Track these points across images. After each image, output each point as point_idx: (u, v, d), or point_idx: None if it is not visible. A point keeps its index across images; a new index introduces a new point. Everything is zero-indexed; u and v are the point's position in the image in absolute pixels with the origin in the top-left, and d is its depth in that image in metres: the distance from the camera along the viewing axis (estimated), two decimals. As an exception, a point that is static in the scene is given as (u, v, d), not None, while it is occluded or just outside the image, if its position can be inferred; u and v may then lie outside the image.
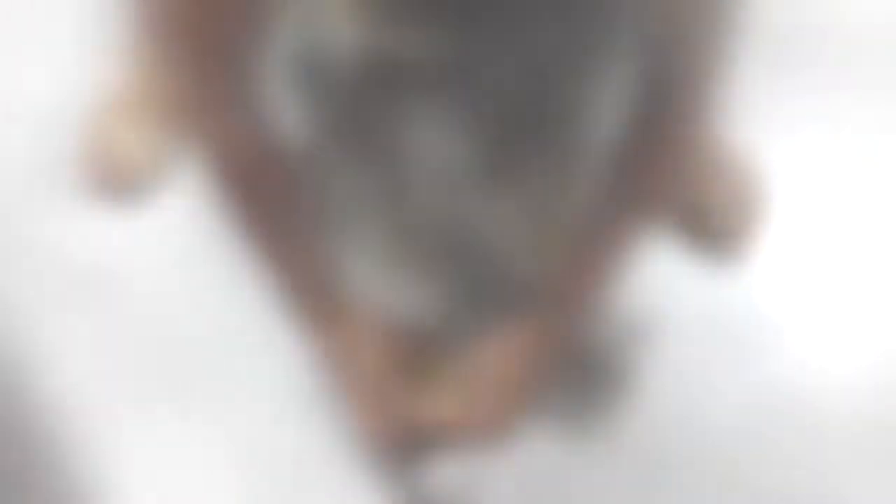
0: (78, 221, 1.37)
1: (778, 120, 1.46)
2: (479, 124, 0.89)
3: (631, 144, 0.91)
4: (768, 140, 1.43)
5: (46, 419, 1.25)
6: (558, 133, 0.89)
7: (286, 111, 0.96)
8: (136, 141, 1.36)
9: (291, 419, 1.26)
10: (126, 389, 1.27)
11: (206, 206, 1.36)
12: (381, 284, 1.10)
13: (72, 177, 1.38)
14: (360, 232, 1.03)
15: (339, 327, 1.04)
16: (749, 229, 1.35)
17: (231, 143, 0.91)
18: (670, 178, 0.95)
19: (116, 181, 1.36)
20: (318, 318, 1.03)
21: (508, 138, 0.90)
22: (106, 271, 1.33)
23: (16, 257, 1.35)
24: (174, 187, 1.39)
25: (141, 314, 1.31)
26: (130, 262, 1.34)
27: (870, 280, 1.35)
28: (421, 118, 0.89)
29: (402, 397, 1.06)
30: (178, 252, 1.35)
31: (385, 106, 0.89)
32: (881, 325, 1.32)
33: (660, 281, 1.32)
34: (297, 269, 1.00)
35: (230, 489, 1.23)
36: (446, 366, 1.10)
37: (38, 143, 1.42)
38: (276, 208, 0.96)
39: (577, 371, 1.27)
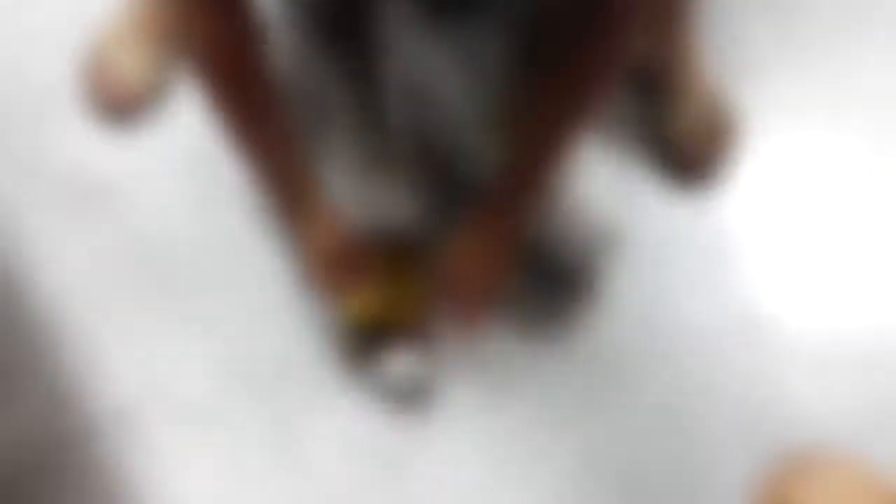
0: (84, 138, 1.43)
1: (757, 63, 1.52)
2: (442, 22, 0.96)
3: (568, 27, 0.98)
4: (746, 79, 1.50)
5: (46, 312, 1.33)
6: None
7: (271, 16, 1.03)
8: (136, 64, 1.42)
9: (267, 323, 1.34)
10: (119, 290, 1.35)
11: (202, 128, 1.42)
12: (355, 187, 1.18)
13: (79, 97, 1.44)
14: (335, 135, 1.10)
15: (311, 220, 1.14)
16: (721, 158, 1.42)
17: (217, 43, 0.98)
18: (606, 67, 1.01)
19: (118, 102, 1.41)
20: (293, 212, 1.13)
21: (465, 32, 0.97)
22: (108, 185, 1.40)
23: (26, 169, 1.41)
24: (173, 109, 1.46)
25: (137, 224, 1.38)
26: (131, 177, 1.41)
27: (831, 215, 1.42)
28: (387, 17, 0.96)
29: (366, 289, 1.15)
30: (176, 169, 1.41)
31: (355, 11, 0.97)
32: (837, 254, 1.39)
33: (633, 200, 1.39)
34: (274, 164, 1.09)
35: (208, 378, 1.31)
36: (415, 263, 1.18)
37: (48, 64, 1.47)
38: (257, 105, 1.04)
39: (543, 276, 1.34)
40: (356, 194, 1.21)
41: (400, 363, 1.26)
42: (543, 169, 1.07)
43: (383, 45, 1.01)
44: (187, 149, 1.41)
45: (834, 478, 1.11)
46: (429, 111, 1.10)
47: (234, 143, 1.08)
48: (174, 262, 1.36)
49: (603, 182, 1.28)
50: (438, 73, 1.04)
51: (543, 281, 1.35)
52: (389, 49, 1.01)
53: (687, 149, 1.41)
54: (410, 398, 1.28)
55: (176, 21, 1.00)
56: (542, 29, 1.04)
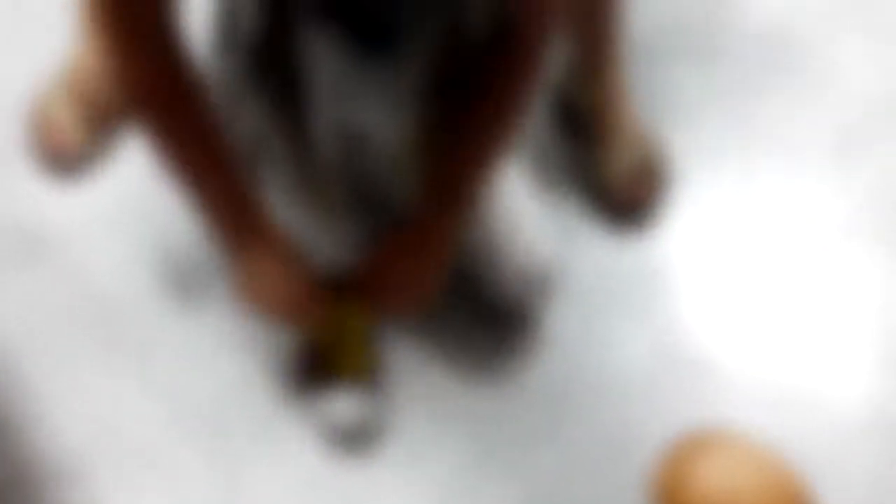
0: (27, 191, 1.44)
1: (686, 107, 1.58)
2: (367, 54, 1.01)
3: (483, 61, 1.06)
4: (676, 123, 1.56)
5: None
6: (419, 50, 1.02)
7: (204, 54, 1.07)
8: (76, 118, 1.44)
9: (210, 367, 1.34)
10: (60, 339, 1.35)
11: (142, 179, 1.44)
12: (290, 220, 1.20)
13: (21, 151, 1.46)
14: (271, 165, 1.13)
15: (252, 250, 1.14)
16: (652, 199, 1.46)
17: (152, 82, 1.02)
18: (518, 94, 1.08)
19: (60, 155, 1.44)
20: (234, 243, 1.14)
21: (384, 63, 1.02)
22: (50, 236, 1.41)
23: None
24: (114, 160, 1.47)
25: (79, 274, 1.39)
26: (72, 228, 1.42)
27: (760, 253, 1.47)
28: (315, 50, 1.01)
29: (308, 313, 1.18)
30: (116, 219, 1.43)
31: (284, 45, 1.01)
32: (767, 292, 1.43)
33: (568, 238, 1.43)
34: (215, 196, 1.10)
35: (152, 424, 1.31)
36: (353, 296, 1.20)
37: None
38: (195, 139, 1.07)
39: (481, 314, 1.37)
40: (292, 227, 1.23)
41: (343, 403, 1.27)
42: (460, 187, 1.13)
43: (308, 78, 1.05)
44: (127, 200, 1.43)
45: (725, 453, 1.16)
46: (357, 143, 1.14)
47: (176, 181, 1.10)
48: (115, 311, 1.37)
49: (538, 221, 1.31)
50: (363, 104, 1.09)
51: (482, 319, 1.37)
52: (315, 82, 1.05)
53: (619, 190, 1.45)
54: (355, 438, 1.28)
55: (109, 67, 1.03)
56: (458, 59, 1.10)
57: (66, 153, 1.44)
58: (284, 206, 1.19)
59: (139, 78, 1.02)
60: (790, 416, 1.34)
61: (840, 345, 1.39)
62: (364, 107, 1.13)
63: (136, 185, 1.44)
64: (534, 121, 1.53)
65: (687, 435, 1.23)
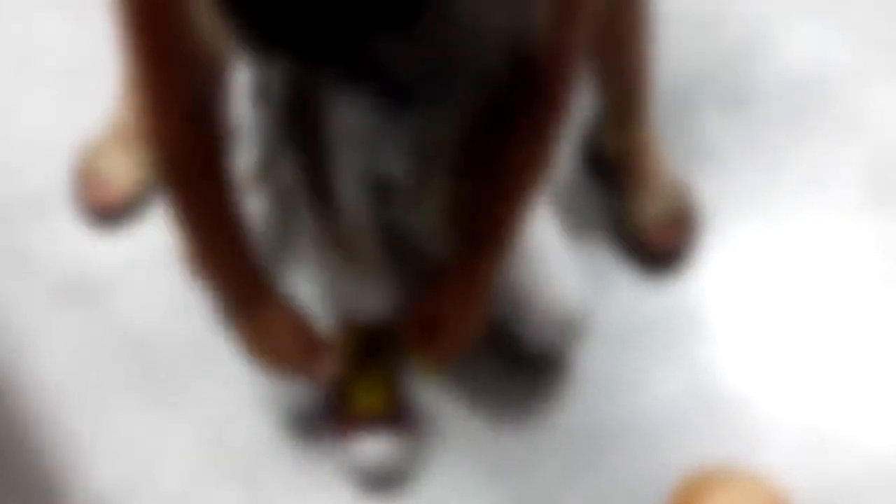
0: (73, 237, 1.50)
1: (716, 153, 1.60)
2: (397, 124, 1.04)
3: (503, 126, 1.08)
4: (706, 169, 1.57)
5: (30, 403, 1.36)
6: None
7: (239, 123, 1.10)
8: (122, 168, 1.50)
9: (250, 409, 1.36)
10: (100, 381, 1.38)
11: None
12: (325, 278, 1.22)
13: (69, 199, 1.52)
14: (303, 220, 1.15)
15: (257, 311, 1.15)
16: (684, 243, 1.47)
17: (175, 151, 1.05)
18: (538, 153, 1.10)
19: (105, 203, 1.49)
20: (240, 304, 1.15)
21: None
22: (94, 280, 1.46)
23: (16, 263, 1.48)
24: (157, 208, 1.52)
25: (121, 318, 1.43)
26: (116, 273, 1.47)
27: (793, 296, 1.47)
28: (341, 125, 1.04)
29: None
30: (159, 264, 1.47)
31: (312, 116, 1.05)
32: (801, 336, 1.43)
33: (602, 283, 1.44)
34: (222, 259, 1.12)
35: (185, 466, 1.32)
36: (389, 347, 1.22)
37: (42, 168, 1.56)
38: (211, 210, 1.09)
39: (515, 356, 1.37)
40: (327, 285, 1.25)
41: (372, 446, 1.28)
42: (495, 231, 1.14)
43: (333, 131, 1.08)
44: (167, 248, 1.46)
45: (731, 487, 1.15)
46: (384, 193, 1.17)
47: (187, 246, 1.12)
48: (155, 354, 1.40)
49: (570, 266, 1.32)
50: (388, 155, 1.12)
51: (514, 362, 1.38)
52: (339, 136, 1.08)
53: (650, 236, 1.46)
54: (384, 480, 1.29)
55: (140, 128, 1.07)
56: (485, 113, 1.11)
57: (112, 203, 1.50)
58: (320, 261, 1.21)
59: (165, 142, 1.05)
60: (821, 460, 1.33)
61: (874, 390, 1.37)
62: (389, 158, 1.17)
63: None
64: (565, 167, 1.55)
65: (697, 470, 1.22)
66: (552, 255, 1.30)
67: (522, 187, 1.13)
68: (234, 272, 1.14)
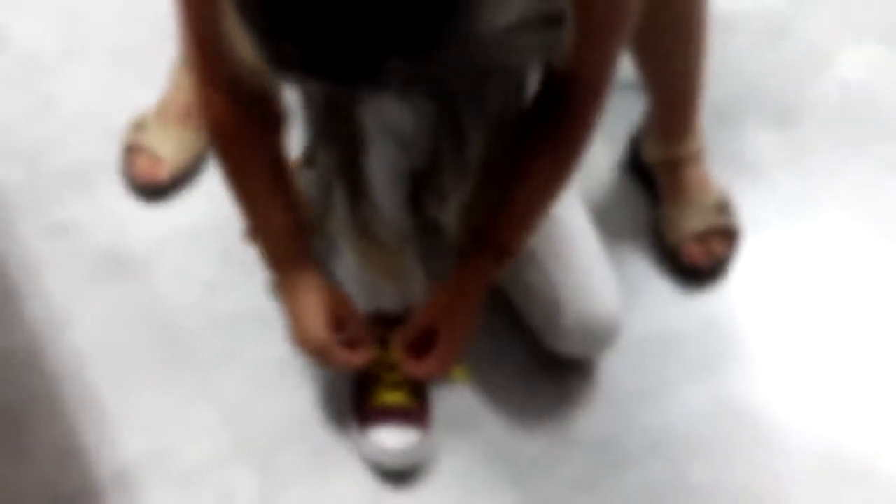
0: (117, 209, 1.52)
1: (761, 168, 1.59)
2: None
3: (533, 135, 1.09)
4: (750, 183, 1.56)
5: (61, 372, 1.37)
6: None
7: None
8: (170, 145, 1.53)
9: (274, 392, 1.37)
10: (130, 354, 1.40)
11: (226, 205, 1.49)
12: (359, 270, 1.23)
13: (117, 172, 1.55)
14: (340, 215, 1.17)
15: (296, 292, 1.18)
16: (722, 258, 1.46)
17: (227, 128, 1.10)
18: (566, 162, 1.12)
19: (152, 179, 1.52)
20: (281, 276, 1.19)
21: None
22: (132, 253, 1.48)
23: (58, 232, 1.50)
24: (199, 189, 1.55)
25: (155, 292, 1.45)
26: (155, 247, 1.49)
27: (829, 313, 1.45)
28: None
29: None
30: (197, 241, 1.49)
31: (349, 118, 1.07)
32: (835, 354, 1.40)
33: (634, 293, 1.43)
34: (264, 218, 1.16)
35: (207, 444, 1.33)
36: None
37: (91, 141, 1.59)
38: (260, 176, 1.14)
39: (544, 362, 1.36)
40: (359, 279, 1.26)
41: (392, 437, 1.27)
42: (502, 240, 1.16)
43: (372, 130, 1.09)
44: (209, 224, 1.49)
45: None
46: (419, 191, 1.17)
47: (241, 211, 1.17)
48: (186, 333, 1.41)
49: (605, 273, 1.31)
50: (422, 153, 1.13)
51: (541, 366, 1.37)
52: (378, 134, 1.09)
53: (688, 249, 1.45)
54: (402, 474, 1.29)
55: (194, 101, 1.12)
56: (516, 121, 1.12)
57: (156, 179, 1.52)
58: (354, 253, 1.22)
59: (216, 116, 1.10)
60: (847, 485, 1.30)
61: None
62: (420, 153, 1.18)
63: (220, 211, 1.49)
64: (607, 171, 1.55)
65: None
66: (590, 263, 1.29)
67: (540, 199, 1.15)
68: (275, 242, 1.18)
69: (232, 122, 1.10)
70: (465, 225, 1.16)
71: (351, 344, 1.21)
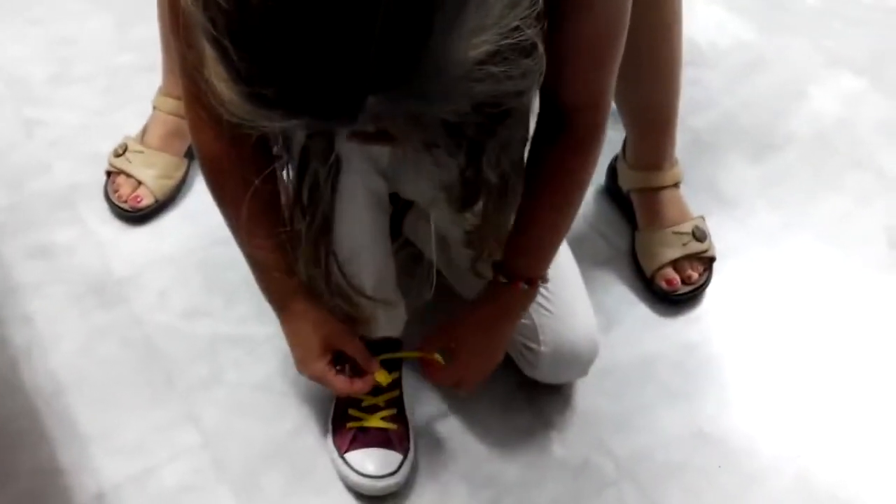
0: (98, 235, 1.54)
1: (736, 197, 1.62)
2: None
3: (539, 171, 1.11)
4: (725, 211, 1.59)
5: (41, 393, 1.38)
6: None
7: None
8: (154, 171, 1.56)
9: (249, 417, 1.37)
10: (109, 376, 1.40)
11: (209, 230, 1.51)
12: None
13: (97, 195, 1.56)
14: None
15: (293, 321, 1.20)
16: (694, 288, 1.48)
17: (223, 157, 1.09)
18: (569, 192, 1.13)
19: (134, 203, 1.54)
20: (272, 294, 1.20)
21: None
22: (111, 280, 1.49)
23: (39, 258, 1.51)
24: (179, 217, 1.57)
25: (136, 315, 1.46)
26: (132, 272, 1.50)
27: (803, 337, 1.47)
28: None
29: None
30: (179, 265, 1.51)
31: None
32: (808, 377, 1.42)
33: (611, 319, 1.46)
34: (259, 252, 1.16)
35: (187, 468, 1.33)
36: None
37: (71, 164, 1.62)
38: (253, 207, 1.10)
39: (523, 385, 1.38)
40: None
41: (372, 462, 1.28)
42: (521, 269, 1.18)
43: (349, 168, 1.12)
44: (191, 249, 1.51)
45: None
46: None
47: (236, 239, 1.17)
48: (167, 354, 1.42)
49: (582, 299, 1.33)
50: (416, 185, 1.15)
51: (520, 388, 1.38)
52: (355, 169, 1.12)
53: (663, 275, 1.47)
54: (380, 497, 1.29)
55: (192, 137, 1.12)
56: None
57: (139, 204, 1.54)
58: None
59: (207, 156, 1.11)
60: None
61: (875, 445, 1.36)
62: (413, 185, 1.20)
63: (199, 235, 1.51)
64: (585, 201, 1.55)
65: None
66: (568, 290, 1.31)
67: (553, 228, 1.17)
68: (269, 277, 1.18)
69: (224, 153, 1.09)
70: (476, 250, 1.18)
71: (356, 372, 1.23)
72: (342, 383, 1.20)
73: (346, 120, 0.75)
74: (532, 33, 0.83)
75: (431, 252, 1.35)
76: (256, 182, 1.04)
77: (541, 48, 0.87)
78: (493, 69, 0.80)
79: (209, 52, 0.75)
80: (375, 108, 0.74)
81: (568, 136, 1.07)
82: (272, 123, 0.76)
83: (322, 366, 1.19)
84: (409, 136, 0.93)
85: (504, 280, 1.18)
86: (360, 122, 0.75)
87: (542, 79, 0.91)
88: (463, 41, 0.75)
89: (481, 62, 0.77)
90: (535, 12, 0.82)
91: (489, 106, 0.93)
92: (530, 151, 1.11)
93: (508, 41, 0.79)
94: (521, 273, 1.18)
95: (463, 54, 0.75)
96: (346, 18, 0.69)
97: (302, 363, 1.21)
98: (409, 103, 0.77)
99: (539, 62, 0.88)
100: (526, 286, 1.18)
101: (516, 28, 0.79)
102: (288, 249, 1.15)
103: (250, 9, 0.70)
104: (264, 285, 1.20)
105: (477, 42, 0.75)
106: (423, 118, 0.85)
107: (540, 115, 1.08)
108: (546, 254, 1.19)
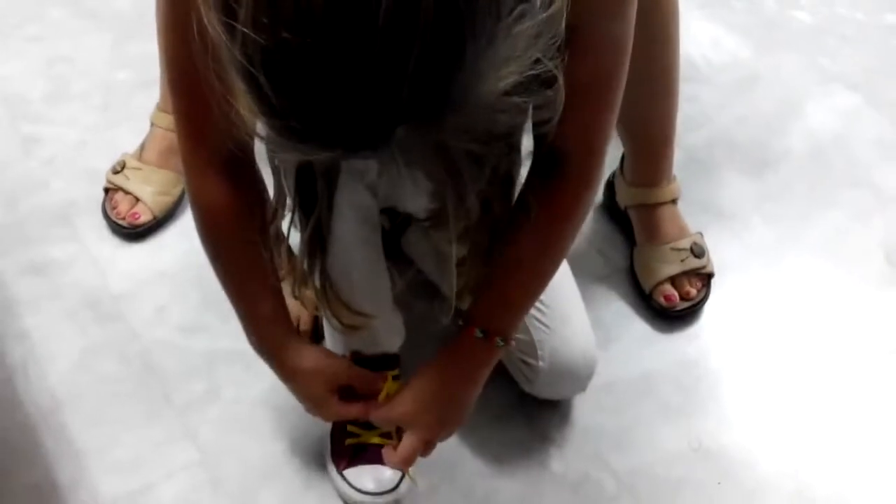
0: (94, 252, 1.54)
1: (733, 212, 1.62)
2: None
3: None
4: (722, 227, 1.59)
5: (40, 408, 1.37)
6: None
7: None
8: (151, 188, 1.56)
9: (246, 434, 1.37)
10: (105, 394, 1.40)
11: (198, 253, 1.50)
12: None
13: (93, 212, 1.56)
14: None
15: (284, 356, 1.17)
16: (693, 304, 1.47)
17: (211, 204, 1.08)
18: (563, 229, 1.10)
19: (130, 220, 1.54)
20: (266, 347, 1.17)
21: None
22: (108, 296, 1.49)
23: (36, 274, 1.52)
24: (176, 233, 1.57)
25: (132, 331, 1.46)
26: (129, 288, 1.50)
27: (800, 352, 1.47)
28: None
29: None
30: (175, 281, 1.51)
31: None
32: (807, 393, 1.42)
33: (609, 334, 1.45)
34: (253, 306, 1.15)
35: (184, 485, 1.32)
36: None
37: (68, 181, 1.62)
38: (241, 260, 1.12)
39: (522, 400, 1.37)
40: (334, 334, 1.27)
41: (369, 481, 1.28)
42: (510, 308, 1.13)
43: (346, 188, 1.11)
44: (189, 265, 1.50)
45: None
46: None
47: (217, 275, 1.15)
48: (164, 371, 1.42)
49: (580, 316, 1.33)
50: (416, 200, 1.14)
51: (519, 404, 1.38)
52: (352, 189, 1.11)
53: (661, 291, 1.47)
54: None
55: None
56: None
57: (135, 221, 1.55)
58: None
59: (202, 198, 1.09)
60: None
61: (875, 459, 1.36)
62: (412, 199, 1.19)
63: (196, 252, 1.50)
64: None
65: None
66: (566, 306, 1.30)
67: (544, 266, 1.12)
68: (264, 330, 1.16)
69: (224, 204, 1.08)
70: (463, 286, 1.14)
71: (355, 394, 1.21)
72: (359, 410, 1.18)
73: (373, 150, 0.76)
74: (553, 65, 0.83)
75: (430, 269, 1.35)
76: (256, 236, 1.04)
77: (560, 80, 0.87)
78: (517, 100, 0.80)
79: (240, 85, 0.74)
80: (403, 138, 0.74)
81: (559, 179, 1.05)
82: (301, 156, 0.76)
83: (335, 409, 1.17)
84: (434, 164, 0.93)
85: (463, 324, 1.11)
86: (387, 152, 0.76)
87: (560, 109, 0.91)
88: (493, 72, 0.75)
89: (506, 93, 0.78)
90: (556, 44, 0.83)
91: (508, 136, 0.94)
92: (521, 192, 1.08)
93: (532, 72, 0.79)
94: (485, 322, 1.10)
95: (493, 85, 0.76)
96: (382, 55, 0.69)
97: (314, 412, 1.20)
98: (437, 134, 0.77)
99: (559, 93, 0.88)
100: (481, 334, 1.09)
101: (538, 60, 0.80)
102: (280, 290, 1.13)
103: (287, 45, 0.69)
104: (256, 338, 1.16)
105: (504, 73, 0.76)
106: (448, 148, 0.85)
107: (534, 157, 1.07)
108: (515, 306, 1.13)
